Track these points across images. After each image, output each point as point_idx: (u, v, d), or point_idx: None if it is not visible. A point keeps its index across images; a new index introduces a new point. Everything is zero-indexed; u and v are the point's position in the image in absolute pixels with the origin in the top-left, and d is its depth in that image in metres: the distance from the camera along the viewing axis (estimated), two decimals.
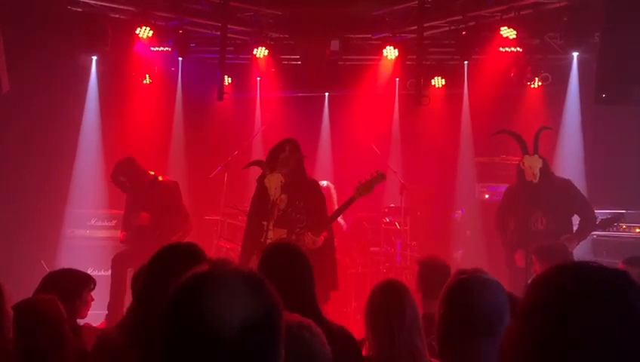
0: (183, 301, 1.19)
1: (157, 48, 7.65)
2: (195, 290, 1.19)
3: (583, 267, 1.06)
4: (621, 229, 5.60)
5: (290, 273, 2.50)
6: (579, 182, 5.73)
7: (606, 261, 4.70)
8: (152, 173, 6.13)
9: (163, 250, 2.14)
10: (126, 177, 5.92)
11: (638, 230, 6.18)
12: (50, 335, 2.37)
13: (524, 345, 1.02)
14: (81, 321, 3.24)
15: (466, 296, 1.78)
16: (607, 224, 5.47)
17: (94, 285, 3.28)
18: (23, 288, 3.03)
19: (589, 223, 5.38)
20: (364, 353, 2.53)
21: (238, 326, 1.14)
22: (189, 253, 2.12)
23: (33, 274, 3.20)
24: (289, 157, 4.82)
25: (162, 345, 1.20)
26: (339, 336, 2.27)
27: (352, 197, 4.82)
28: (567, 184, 5.47)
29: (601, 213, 6.11)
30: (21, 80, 6.40)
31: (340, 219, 6.74)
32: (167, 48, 7.67)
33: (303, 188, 4.89)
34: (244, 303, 1.16)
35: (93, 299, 3.30)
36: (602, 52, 5.76)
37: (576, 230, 5.39)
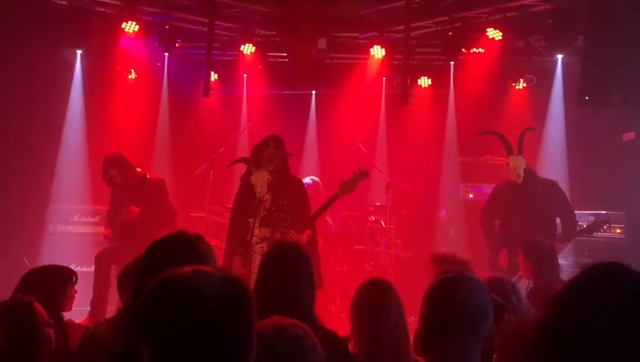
0: (159, 287, 1.25)
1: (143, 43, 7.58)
2: (169, 279, 1.25)
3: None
4: (603, 230, 5.66)
5: (292, 274, 2.52)
6: (562, 183, 5.79)
7: (587, 261, 4.74)
8: (140, 169, 6.08)
9: (155, 244, 1.95)
10: (117, 171, 5.84)
11: (618, 231, 6.27)
12: (26, 338, 2.35)
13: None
14: (65, 315, 3.22)
15: (450, 295, 1.80)
16: (593, 228, 5.52)
17: (76, 278, 3.27)
18: (4, 285, 3.00)
19: (570, 228, 5.41)
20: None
21: (216, 299, 1.21)
22: (185, 243, 1.92)
23: (15, 271, 3.17)
24: (274, 154, 4.82)
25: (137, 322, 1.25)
26: (330, 342, 2.27)
27: (335, 194, 4.83)
28: (553, 186, 5.49)
29: (583, 213, 6.17)
30: (4, 73, 6.31)
31: (328, 219, 6.75)
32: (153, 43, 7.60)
33: (287, 186, 4.89)
34: (215, 283, 1.24)
35: (76, 292, 3.29)
36: (586, 55, 5.83)
37: (562, 233, 5.43)
